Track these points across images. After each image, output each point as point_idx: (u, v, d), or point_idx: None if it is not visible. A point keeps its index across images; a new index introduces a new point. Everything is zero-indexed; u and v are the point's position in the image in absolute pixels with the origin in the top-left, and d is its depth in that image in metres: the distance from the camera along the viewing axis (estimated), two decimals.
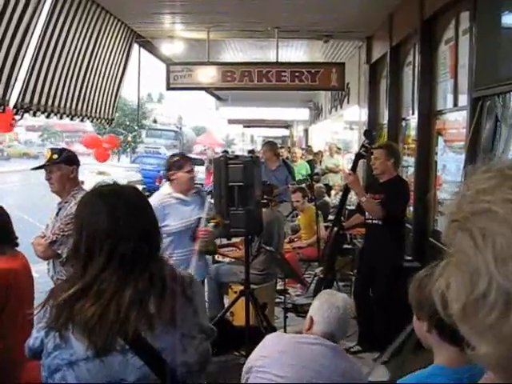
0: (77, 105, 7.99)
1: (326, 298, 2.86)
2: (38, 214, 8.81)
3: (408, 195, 5.53)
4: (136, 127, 36.58)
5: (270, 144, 9.64)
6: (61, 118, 7.70)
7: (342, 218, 6.23)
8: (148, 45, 10.56)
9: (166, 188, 4.73)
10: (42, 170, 4.08)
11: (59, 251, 3.77)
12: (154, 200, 4.23)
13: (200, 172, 27.57)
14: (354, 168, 5.27)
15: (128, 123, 36.36)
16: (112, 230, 1.70)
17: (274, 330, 5.25)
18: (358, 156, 5.37)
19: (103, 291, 1.66)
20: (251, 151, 13.65)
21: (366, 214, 5.42)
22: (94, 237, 1.70)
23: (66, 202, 3.98)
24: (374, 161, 5.39)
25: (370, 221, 5.42)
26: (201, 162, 30.08)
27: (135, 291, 1.66)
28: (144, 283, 1.68)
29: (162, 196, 4.62)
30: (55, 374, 1.66)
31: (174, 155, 4.94)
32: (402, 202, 5.35)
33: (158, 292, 1.69)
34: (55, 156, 4.02)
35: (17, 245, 3.31)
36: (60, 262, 3.82)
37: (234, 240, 6.61)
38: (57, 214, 4.02)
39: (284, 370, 2.60)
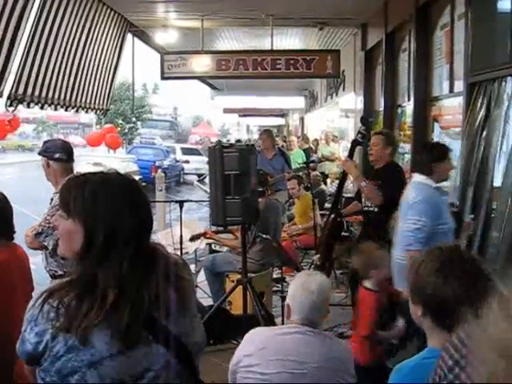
0: (71, 96, 7.94)
1: (300, 283, 2.79)
2: (34, 205, 8.80)
3: (404, 182, 5.51)
4: (134, 118, 36.45)
5: (267, 132, 9.61)
6: (55, 108, 7.65)
7: (339, 205, 6.22)
8: (142, 34, 10.51)
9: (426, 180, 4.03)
10: (37, 162, 4.06)
11: (45, 243, 3.75)
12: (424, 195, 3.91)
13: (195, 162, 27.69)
14: (350, 155, 5.24)
15: (126, 114, 36.19)
16: (135, 226, 1.66)
17: (271, 318, 5.26)
18: (355, 142, 5.34)
19: (115, 285, 1.60)
20: (238, 141, 13.56)
21: (363, 201, 5.41)
22: (114, 234, 1.63)
23: (57, 193, 3.95)
24: (372, 147, 5.33)
25: (366, 208, 5.41)
26: (197, 152, 30.16)
27: (148, 280, 1.64)
28: (153, 270, 1.66)
29: (432, 191, 4.02)
30: (70, 377, 1.58)
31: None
32: (398, 187, 5.33)
33: (165, 276, 1.67)
34: None
35: (12, 237, 3.27)
36: (49, 253, 3.80)
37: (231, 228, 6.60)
38: (50, 205, 4.00)
39: (268, 368, 2.60)
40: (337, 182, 7.52)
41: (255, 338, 2.75)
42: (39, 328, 1.59)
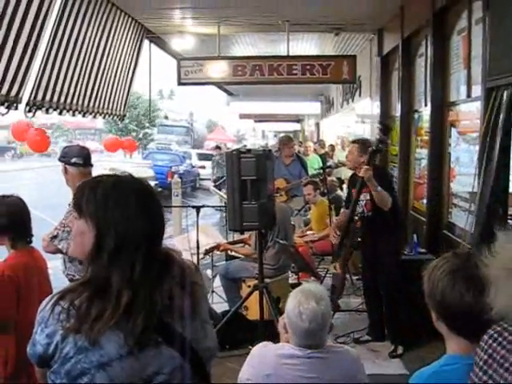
0: (89, 101, 8.00)
1: (292, 308, 2.65)
2: (51, 211, 8.87)
3: (392, 185, 5.91)
4: (147, 124, 36.67)
5: (286, 138, 9.62)
6: (73, 114, 7.71)
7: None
8: (158, 40, 10.57)
9: None
10: (54, 167, 4.11)
11: (60, 246, 3.79)
12: None
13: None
14: (369, 163, 5.23)
15: (140, 120, 36.40)
16: (146, 230, 1.67)
17: None
18: (376, 151, 5.33)
19: (128, 288, 1.60)
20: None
21: (361, 207, 5.50)
22: (125, 236, 1.64)
23: None
24: (348, 155, 5.74)
25: (363, 214, 5.51)
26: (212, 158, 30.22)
27: (160, 283, 1.65)
28: (166, 275, 1.67)
29: None
30: (80, 379, 1.59)
31: None
32: (390, 190, 5.52)
33: (178, 281, 1.68)
34: None
35: (30, 241, 3.31)
36: (68, 258, 3.84)
37: (243, 236, 6.62)
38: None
39: None
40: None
41: (262, 360, 2.73)
42: (49, 329, 1.61)
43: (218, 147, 21.99)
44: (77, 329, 1.57)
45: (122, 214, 1.65)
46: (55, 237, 3.83)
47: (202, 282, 1.84)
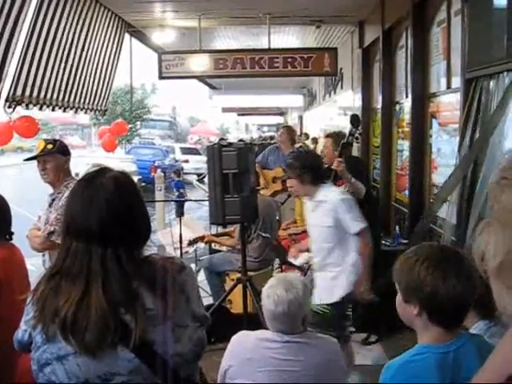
0: (69, 96, 7.94)
1: (266, 289, 2.72)
2: (30, 206, 8.81)
3: (367, 173, 5.94)
4: (132, 118, 36.41)
5: (286, 128, 9.59)
6: (53, 109, 7.64)
7: None
8: (139, 34, 10.50)
9: None
10: (35, 163, 4.07)
11: (58, 241, 3.77)
12: None
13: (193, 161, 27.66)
14: (341, 155, 5.26)
15: (124, 115, 36.15)
16: (88, 215, 1.64)
17: None
18: (346, 144, 5.37)
19: (86, 281, 1.59)
20: (240, 140, 13.52)
21: None
22: (72, 223, 1.66)
23: (59, 193, 3.98)
24: (324, 149, 5.85)
25: None
26: (196, 152, 30.17)
27: (121, 282, 1.60)
28: (131, 272, 1.62)
29: None
30: (45, 369, 1.62)
31: None
32: (366, 178, 5.59)
33: (148, 281, 1.63)
34: (50, 146, 4.03)
35: (11, 238, 3.28)
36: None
37: (228, 229, 6.62)
38: (50, 206, 4.02)
39: (257, 380, 2.61)
40: None
41: (242, 346, 2.75)
42: (28, 317, 1.67)
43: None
44: (38, 320, 1.61)
45: (68, 203, 1.71)
46: (52, 232, 3.81)
47: (186, 282, 1.74)
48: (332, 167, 5.19)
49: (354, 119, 5.46)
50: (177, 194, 13.05)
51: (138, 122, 38.67)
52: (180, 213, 8.35)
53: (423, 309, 1.82)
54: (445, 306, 1.79)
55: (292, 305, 2.63)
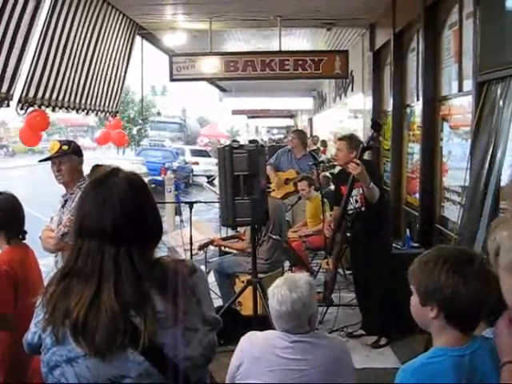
0: (81, 98, 7.97)
1: (272, 288, 2.77)
2: (41, 207, 8.85)
3: (381, 177, 5.82)
4: (140, 121, 36.52)
5: (297, 132, 9.59)
6: (66, 111, 7.69)
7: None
8: (150, 37, 10.54)
9: None
10: (47, 165, 4.09)
11: (71, 243, 3.78)
12: None
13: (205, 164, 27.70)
14: (360, 159, 5.22)
15: (132, 116, 36.24)
16: (101, 215, 1.65)
17: None
18: (367, 148, 5.33)
19: (99, 281, 1.59)
20: (252, 141, 13.57)
21: (354, 203, 5.50)
22: (85, 223, 1.67)
23: (72, 194, 4.00)
24: (337, 152, 5.66)
25: (358, 209, 5.50)
26: (206, 154, 30.22)
27: (133, 282, 1.59)
28: (143, 273, 1.62)
29: None
30: (54, 371, 1.61)
31: None
32: (380, 181, 5.52)
33: (159, 283, 1.62)
34: (65, 147, 4.05)
35: (24, 238, 3.31)
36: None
37: (237, 232, 6.63)
38: (62, 207, 4.04)
39: (265, 379, 2.63)
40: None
41: (250, 346, 2.77)
42: (37, 319, 1.66)
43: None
44: (51, 322, 1.59)
45: (95, 208, 1.67)
46: (66, 233, 3.83)
47: (197, 285, 1.72)
48: (349, 171, 5.17)
49: (376, 123, 5.44)
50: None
51: (147, 125, 38.78)
52: (179, 212, 8.36)
53: (441, 311, 1.80)
54: (464, 309, 1.77)
55: (295, 304, 2.67)
